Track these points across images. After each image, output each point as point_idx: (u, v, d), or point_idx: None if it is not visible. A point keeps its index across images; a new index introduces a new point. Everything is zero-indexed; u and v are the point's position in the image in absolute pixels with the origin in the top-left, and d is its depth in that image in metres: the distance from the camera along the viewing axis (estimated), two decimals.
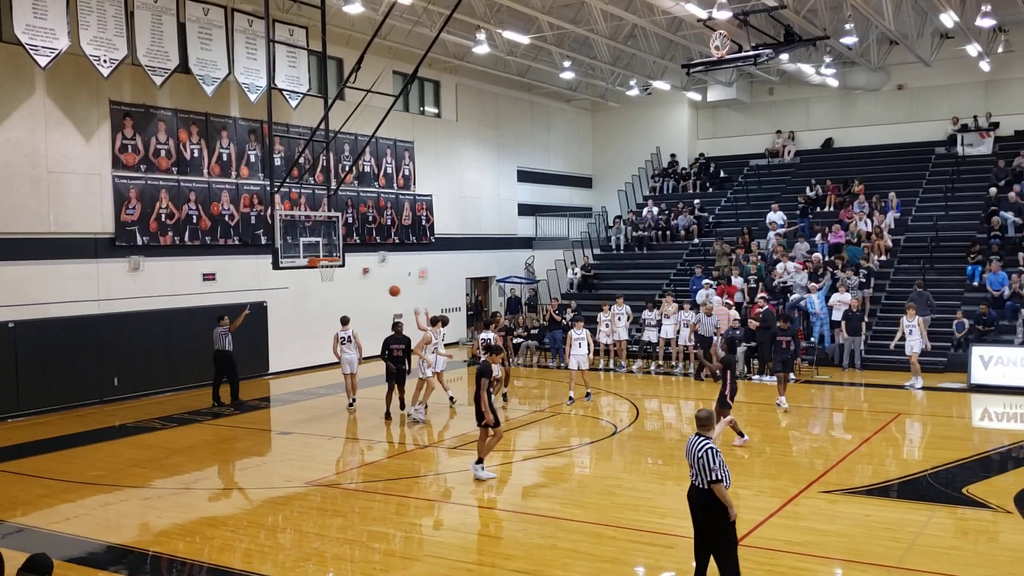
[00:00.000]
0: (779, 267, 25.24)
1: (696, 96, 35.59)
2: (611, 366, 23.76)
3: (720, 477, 7.91)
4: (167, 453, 15.16)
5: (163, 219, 21.07)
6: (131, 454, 15.15)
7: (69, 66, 18.82)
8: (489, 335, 19.52)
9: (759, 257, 26.45)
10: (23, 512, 11.89)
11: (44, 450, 15.51)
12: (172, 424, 17.66)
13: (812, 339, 22.95)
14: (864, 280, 24.30)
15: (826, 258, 26.34)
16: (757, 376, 21.33)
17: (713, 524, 8.02)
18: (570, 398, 18.99)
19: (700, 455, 7.97)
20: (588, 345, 19.12)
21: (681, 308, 23.33)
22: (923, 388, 19.75)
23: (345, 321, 19.34)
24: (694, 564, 8.33)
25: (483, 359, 13.86)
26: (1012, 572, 9.01)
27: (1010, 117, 31.06)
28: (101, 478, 13.53)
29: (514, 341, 25.39)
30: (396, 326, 18.10)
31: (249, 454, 15.33)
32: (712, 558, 8.14)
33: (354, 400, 19.15)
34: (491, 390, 13.16)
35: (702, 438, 8.15)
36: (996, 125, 30.96)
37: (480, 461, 12.94)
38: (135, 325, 20.40)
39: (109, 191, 20.06)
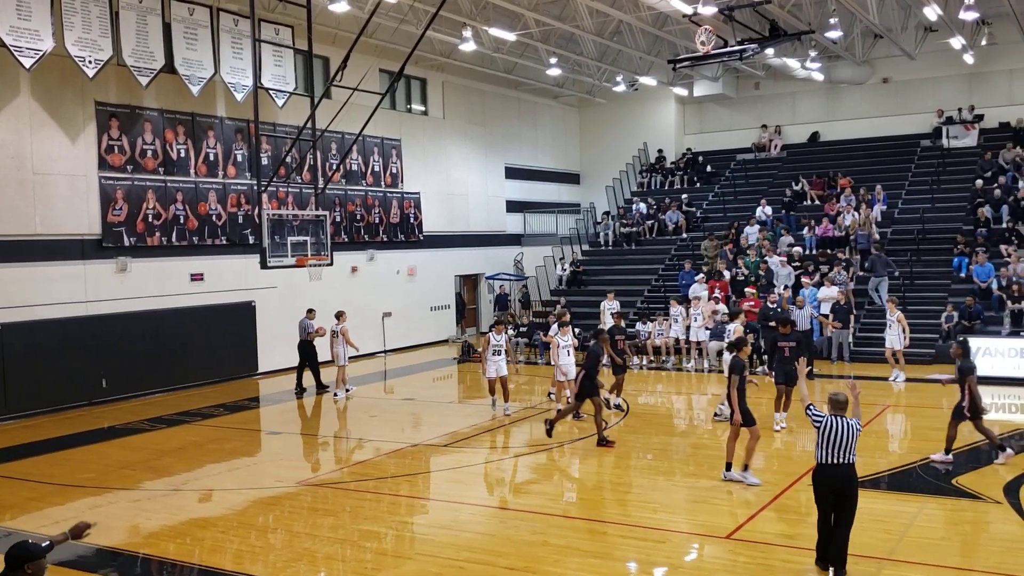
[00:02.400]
0: (769, 261, 25.38)
1: (682, 91, 35.66)
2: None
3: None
4: (157, 455, 15.11)
5: (150, 220, 20.99)
6: (120, 456, 15.09)
7: (54, 67, 18.71)
8: (733, 325, 17.82)
9: (753, 251, 26.54)
10: (11, 516, 11.84)
11: (32, 453, 15.43)
12: (161, 425, 17.60)
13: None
14: (845, 272, 24.48)
15: (813, 251, 26.50)
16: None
17: (854, 489, 8.71)
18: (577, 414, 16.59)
19: (857, 433, 8.69)
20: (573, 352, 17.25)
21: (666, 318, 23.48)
22: (908, 380, 19.82)
23: (338, 315, 20.31)
24: (820, 541, 8.85)
25: (734, 355, 12.54)
26: (1002, 562, 9.06)
27: (994, 109, 31.24)
28: (90, 480, 13.48)
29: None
30: (617, 316, 17.88)
31: (239, 454, 15.29)
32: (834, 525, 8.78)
33: (348, 389, 20.33)
34: (744, 387, 12.11)
35: (846, 418, 8.76)
36: (980, 117, 31.13)
37: (746, 468, 12.03)
38: (123, 326, 20.32)
39: (95, 192, 19.97)
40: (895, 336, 20.16)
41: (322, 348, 21.18)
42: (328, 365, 21.26)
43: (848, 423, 8.71)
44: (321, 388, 20.87)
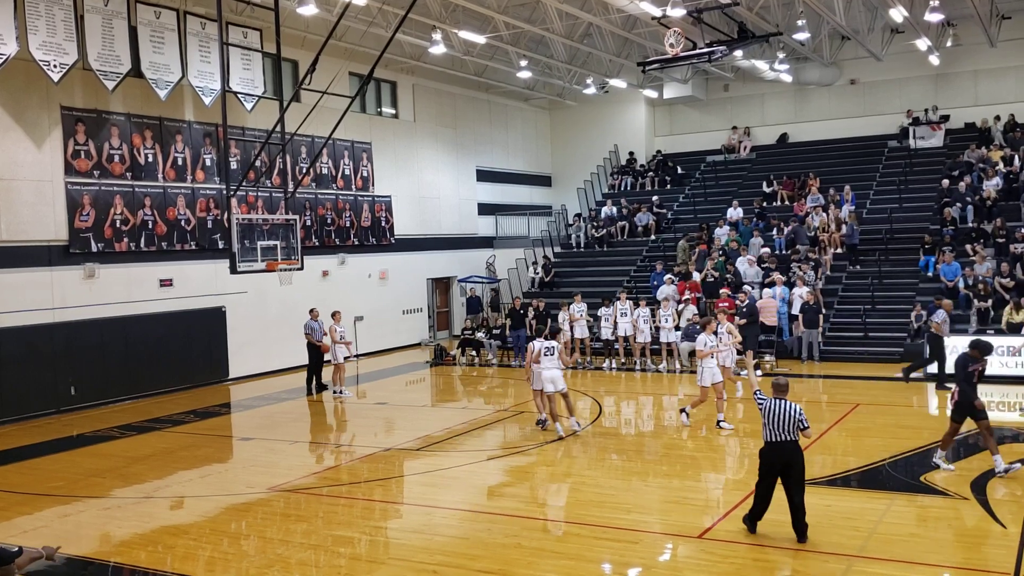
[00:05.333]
0: (739, 262, 25.57)
1: (652, 94, 35.82)
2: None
3: (808, 425, 9.77)
4: (127, 462, 14.97)
5: (118, 225, 20.80)
6: (90, 464, 14.94)
7: (18, 72, 18.50)
8: None
9: (720, 253, 26.72)
10: None
11: None
12: (131, 432, 17.44)
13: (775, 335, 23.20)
14: (813, 272, 24.70)
15: (783, 252, 26.69)
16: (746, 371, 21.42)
17: (799, 465, 9.67)
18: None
19: (796, 414, 9.60)
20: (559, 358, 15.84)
21: (638, 305, 23.42)
22: (882, 379, 19.99)
23: (332, 315, 20.95)
24: (754, 510, 9.87)
25: None
26: (969, 557, 9.18)
27: (959, 110, 31.66)
28: (59, 489, 13.33)
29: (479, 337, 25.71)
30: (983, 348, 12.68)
31: (210, 461, 15.18)
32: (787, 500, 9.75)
33: (337, 391, 20.69)
34: None
35: (788, 401, 9.72)
36: (946, 118, 31.51)
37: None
38: (91, 333, 20.12)
39: (62, 198, 19.75)
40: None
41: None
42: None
43: (789, 405, 9.66)
44: (320, 387, 21.33)
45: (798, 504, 9.63)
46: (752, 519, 9.96)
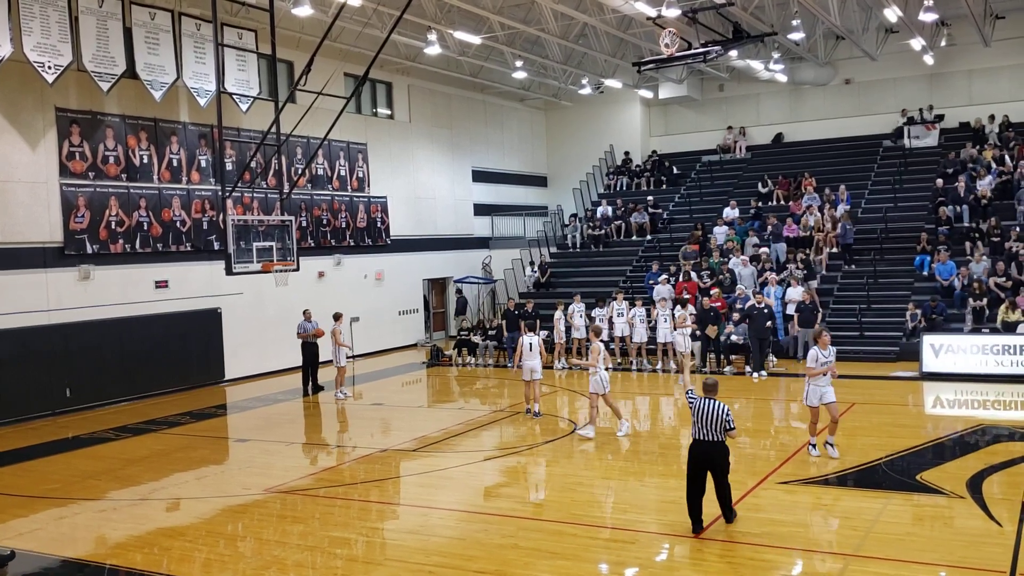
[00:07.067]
0: (732, 262, 25.59)
1: (648, 94, 35.84)
2: (565, 364, 23.84)
3: (735, 426, 10.08)
4: (122, 464, 14.94)
5: (113, 227, 20.76)
6: (85, 466, 14.90)
7: (13, 73, 18.46)
8: None
9: (716, 253, 26.75)
10: None
11: None
12: (127, 434, 17.40)
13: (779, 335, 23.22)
14: (806, 272, 24.71)
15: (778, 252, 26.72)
16: (755, 372, 21.36)
17: (723, 461, 10.12)
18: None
19: (723, 414, 9.92)
20: (539, 352, 17.22)
21: (633, 305, 23.42)
22: (874, 377, 20.03)
23: (335, 317, 20.97)
24: (690, 507, 10.10)
25: None
26: (965, 556, 9.19)
27: (954, 109, 31.73)
28: (55, 491, 13.30)
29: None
30: None
31: (206, 463, 15.15)
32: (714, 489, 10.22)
33: (341, 394, 20.68)
34: None
35: (715, 401, 10.08)
36: (941, 117, 31.56)
37: None
38: (87, 335, 20.07)
39: (57, 199, 19.71)
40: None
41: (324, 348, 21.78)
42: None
43: (717, 405, 10.03)
44: (316, 388, 21.32)
45: (724, 493, 10.22)
46: (695, 516, 10.10)
